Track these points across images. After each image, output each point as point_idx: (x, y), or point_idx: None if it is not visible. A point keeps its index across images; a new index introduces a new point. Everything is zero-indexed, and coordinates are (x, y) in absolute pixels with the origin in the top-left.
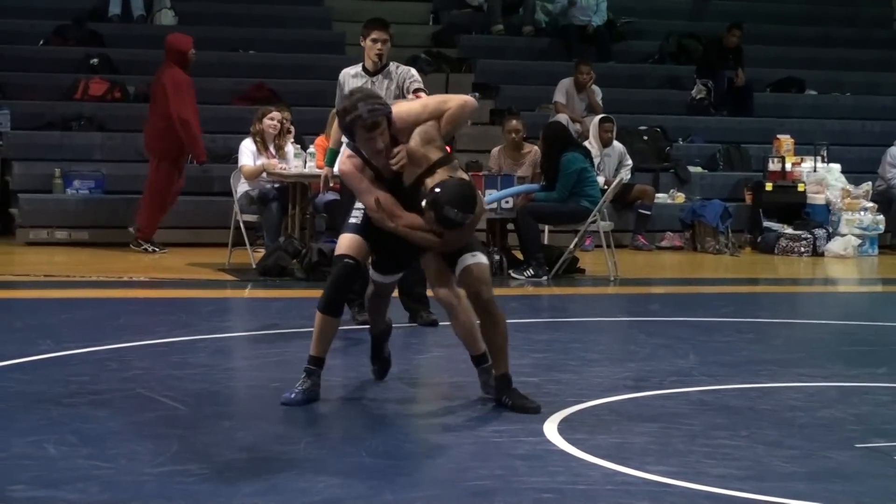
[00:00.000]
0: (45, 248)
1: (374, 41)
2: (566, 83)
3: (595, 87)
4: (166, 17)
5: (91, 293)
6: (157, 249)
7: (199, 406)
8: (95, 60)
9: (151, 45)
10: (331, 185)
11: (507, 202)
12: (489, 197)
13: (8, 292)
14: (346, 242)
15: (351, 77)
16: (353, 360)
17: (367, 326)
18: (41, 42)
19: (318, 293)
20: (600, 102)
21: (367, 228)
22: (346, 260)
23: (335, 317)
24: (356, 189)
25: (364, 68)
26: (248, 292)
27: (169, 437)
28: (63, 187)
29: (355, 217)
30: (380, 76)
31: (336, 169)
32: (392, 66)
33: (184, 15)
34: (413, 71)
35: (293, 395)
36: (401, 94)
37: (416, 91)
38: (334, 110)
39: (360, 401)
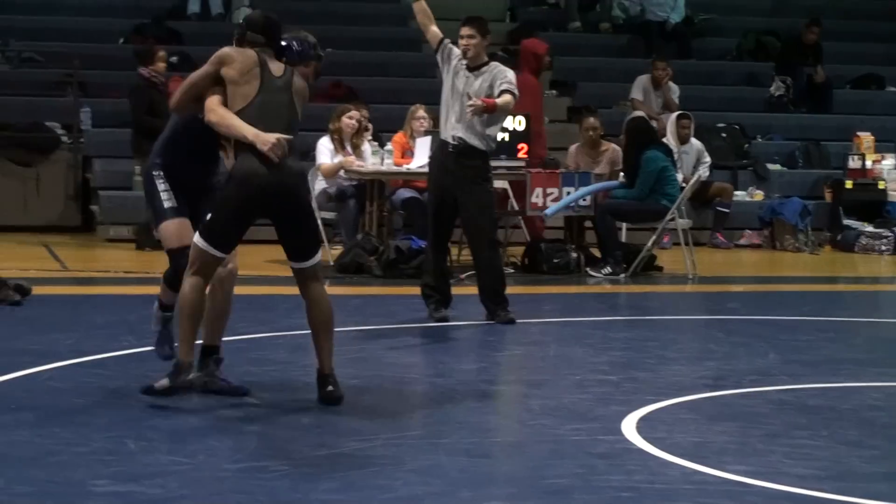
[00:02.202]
0: (124, 244)
1: (461, 37)
2: (643, 80)
3: (672, 84)
4: (244, 14)
5: None
6: None
7: (278, 402)
8: (174, 58)
9: (230, 43)
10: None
11: (584, 199)
12: (554, 207)
13: (89, 288)
14: (184, 231)
15: (457, 59)
16: (432, 357)
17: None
18: (121, 40)
19: (395, 290)
20: (676, 100)
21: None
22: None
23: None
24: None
25: (466, 64)
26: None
27: (247, 433)
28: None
29: (168, 200)
30: (476, 72)
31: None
32: (492, 64)
33: None
34: (509, 74)
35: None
36: (491, 92)
37: (502, 92)
38: (413, 106)
39: (437, 398)
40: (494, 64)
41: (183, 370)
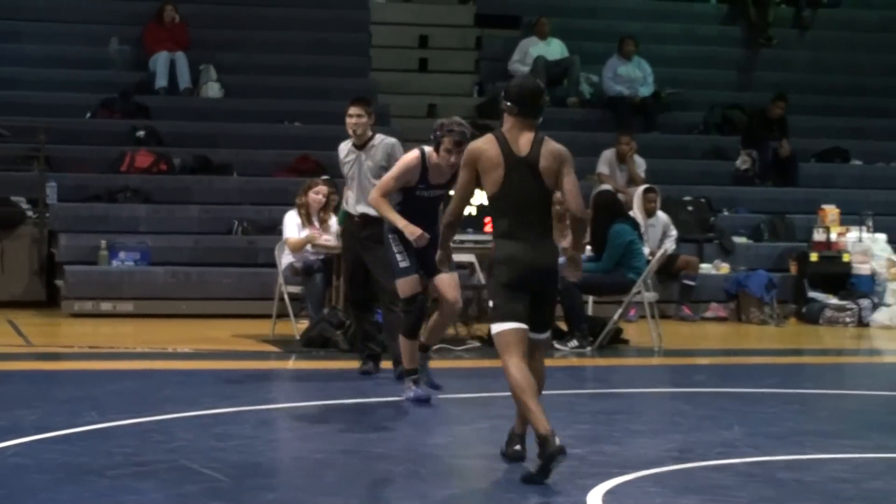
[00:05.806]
0: (90, 319)
1: (349, 116)
2: (608, 154)
3: (637, 158)
4: (212, 89)
5: (135, 365)
6: None
7: (243, 478)
8: (142, 133)
9: (197, 118)
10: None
11: None
12: None
13: (53, 364)
14: (415, 284)
15: (345, 150)
16: (399, 431)
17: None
18: (88, 115)
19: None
20: (641, 174)
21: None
22: (420, 296)
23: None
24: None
25: (353, 143)
26: (292, 363)
27: None
28: (108, 259)
29: (403, 260)
30: (364, 149)
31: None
32: (376, 137)
33: (230, 88)
34: (394, 147)
35: (421, 392)
36: (387, 167)
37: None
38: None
39: (403, 472)
40: (379, 137)
41: (550, 440)
